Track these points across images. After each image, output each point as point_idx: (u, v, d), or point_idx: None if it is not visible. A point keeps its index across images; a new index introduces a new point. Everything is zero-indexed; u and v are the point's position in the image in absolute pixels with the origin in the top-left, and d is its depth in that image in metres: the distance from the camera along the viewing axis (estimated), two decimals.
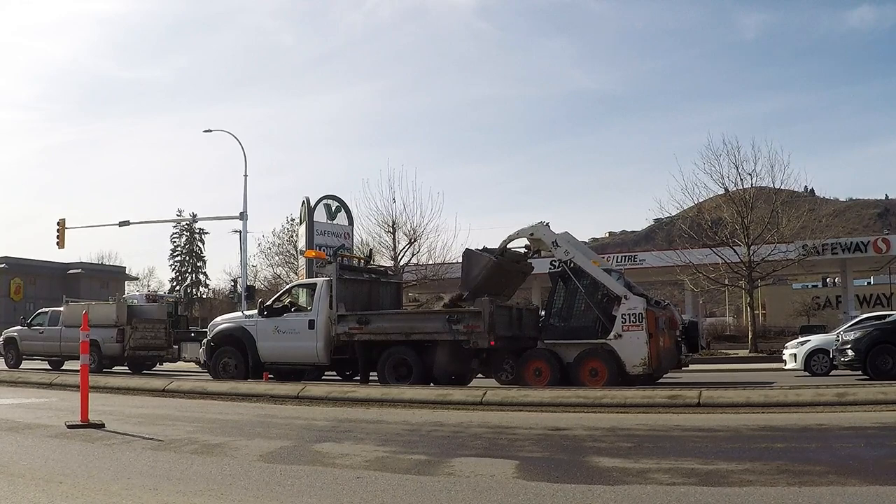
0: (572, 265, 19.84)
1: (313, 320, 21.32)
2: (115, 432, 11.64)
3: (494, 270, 21.09)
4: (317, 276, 24.47)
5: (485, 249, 21.58)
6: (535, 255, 22.67)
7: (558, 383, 18.81)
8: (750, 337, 41.79)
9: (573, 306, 19.93)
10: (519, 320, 21.00)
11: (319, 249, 36.18)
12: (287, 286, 27.42)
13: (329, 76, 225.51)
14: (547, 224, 21.02)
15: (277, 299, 23.02)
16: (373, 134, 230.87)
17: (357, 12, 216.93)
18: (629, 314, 18.87)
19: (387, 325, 20.61)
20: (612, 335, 18.91)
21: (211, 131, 49.28)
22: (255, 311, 23.08)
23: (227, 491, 7.42)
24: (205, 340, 23.96)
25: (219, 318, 24.92)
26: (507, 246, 21.61)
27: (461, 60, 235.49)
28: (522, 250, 22.06)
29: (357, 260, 25.54)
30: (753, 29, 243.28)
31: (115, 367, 31.35)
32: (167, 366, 35.83)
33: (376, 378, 20.49)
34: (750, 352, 39.57)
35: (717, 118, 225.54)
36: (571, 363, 19.32)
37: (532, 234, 21.11)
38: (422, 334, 20.03)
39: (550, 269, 20.71)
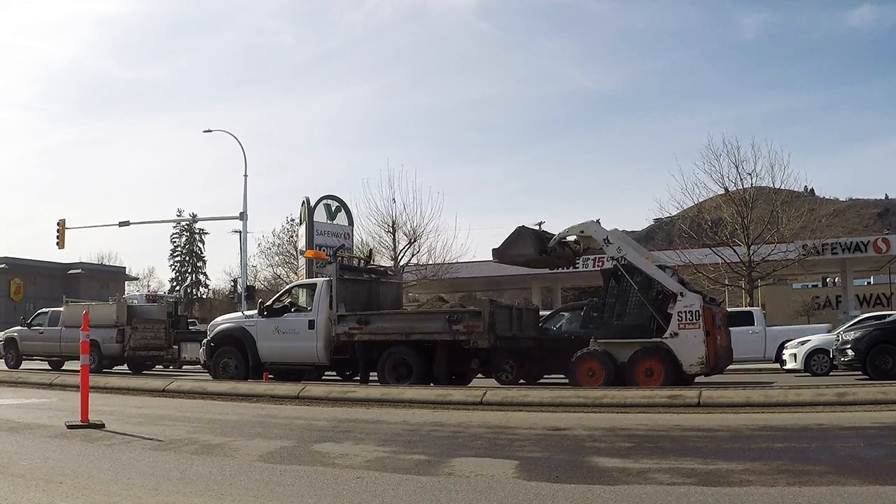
0: (625, 262, 19.37)
1: (313, 320, 21.30)
2: (115, 432, 11.64)
3: (531, 263, 21.50)
4: (317, 277, 24.48)
5: (540, 231, 21.52)
6: (584, 253, 22.48)
7: (612, 384, 18.17)
8: None
9: (626, 304, 19.42)
10: (519, 320, 20.99)
11: (319, 249, 36.17)
12: (287, 286, 27.41)
13: (329, 76, 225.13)
14: (597, 221, 20.79)
15: (277, 299, 23.00)
16: (373, 134, 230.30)
17: (357, 12, 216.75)
18: (686, 312, 18.46)
19: (387, 325, 20.57)
20: (668, 334, 18.47)
21: (211, 131, 49.39)
22: (255, 312, 23.09)
23: (226, 491, 7.42)
24: (204, 341, 23.96)
25: (219, 319, 24.93)
26: (557, 242, 21.15)
27: (461, 60, 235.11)
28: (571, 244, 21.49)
29: (357, 260, 25.54)
30: (753, 29, 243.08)
31: (115, 368, 31.37)
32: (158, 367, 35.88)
33: (376, 378, 20.47)
34: None
35: (717, 118, 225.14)
36: (626, 363, 18.81)
37: (582, 232, 20.67)
38: (422, 334, 19.95)
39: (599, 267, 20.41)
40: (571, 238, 21.11)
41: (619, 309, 19.45)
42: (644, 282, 19.19)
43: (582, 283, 61.20)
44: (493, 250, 21.75)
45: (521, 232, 21.35)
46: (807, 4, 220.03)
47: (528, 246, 20.88)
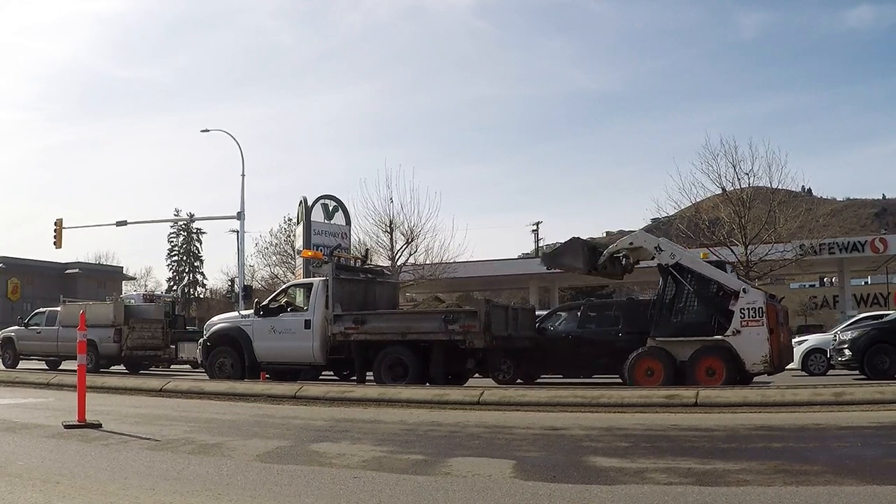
0: (680, 267, 19.13)
1: (309, 320, 21.31)
2: (112, 432, 11.63)
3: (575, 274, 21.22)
4: (313, 276, 24.50)
5: (593, 243, 21.64)
6: (635, 265, 21.80)
7: (672, 383, 17.86)
8: None
9: (686, 302, 19.29)
10: (515, 320, 20.96)
11: (317, 249, 36.15)
12: (283, 286, 27.41)
13: (328, 76, 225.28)
14: (644, 230, 20.49)
15: (274, 299, 22.99)
16: (371, 134, 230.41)
17: (356, 12, 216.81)
18: (748, 309, 18.07)
19: (383, 325, 20.57)
20: (729, 331, 18.13)
21: (209, 131, 49.34)
22: (252, 311, 23.08)
23: (224, 491, 7.41)
24: (201, 340, 23.95)
25: (215, 318, 24.90)
26: (608, 258, 20.76)
27: (460, 60, 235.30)
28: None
29: (353, 260, 25.55)
30: (753, 29, 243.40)
31: (113, 367, 31.37)
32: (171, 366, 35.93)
33: (372, 378, 20.47)
34: None
35: (716, 118, 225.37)
36: (685, 362, 18.46)
37: (632, 244, 20.40)
38: (418, 334, 19.92)
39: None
40: (622, 253, 20.82)
41: (678, 307, 19.25)
42: (702, 281, 18.97)
43: (579, 283, 61.22)
44: (543, 255, 21.85)
45: (575, 243, 21.20)
46: (806, 4, 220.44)
47: (579, 260, 20.64)
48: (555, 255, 21.91)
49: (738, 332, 18.01)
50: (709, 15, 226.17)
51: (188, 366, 34.32)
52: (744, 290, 18.36)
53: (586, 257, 20.49)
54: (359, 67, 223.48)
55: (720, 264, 20.63)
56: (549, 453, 9.66)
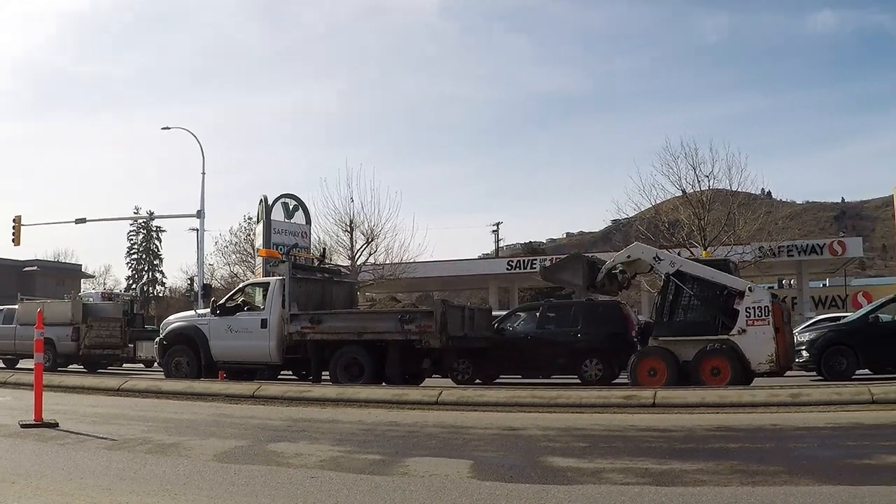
0: (681, 273, 18.81)
1: (266, 319, 21.19)
2: (69, 432, 11.55)
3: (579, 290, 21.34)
4: (272, 276, 24.46)
5: (593, 259, 21.28)
6: (633, 278, 21.90)
7: (675, 383, 17.52)
8: None
9: (689, 302, 18.90)
10: (472, 320, 20.99)
11: (276, 248, 36.05)
12: (240, 285, 27.31)
13: (290, 74, 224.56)
14: (640, 242, 20.38)
15: (230, 298, 22.86)
16: (333, 133, 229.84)
17: (317, 10, 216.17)
18: (754, 307, 17.75)
19: (339, 325, 20.53)
20: (735, 331, 17.79)
21: (169, 128, 49.10)
22: (209, 310, 22.95)
23: (181, 491, 7.40)
24: (157, 339, 23.81)
25: (172, 317, 24.77)
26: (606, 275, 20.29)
27: (422, 60, 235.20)
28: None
29: (311, 259, 25.51)
30: (714, 32, 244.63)
31: (71, 366, 31.15)
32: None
33: (329, 378, 20.44)
34: None
35: (677, 120, 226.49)
36: (690, 361, 17.97)
37: (629, 257, 20.07)
38: (374, 334, 19.91)
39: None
40: (619, 268, 20.44)
41: (682, 306, 18.96)
42: (706, 284, 18.66)
43: (540, 285, 61.43)
44: (542, 268, 21.94)
45: (575, 260, 21.40)
46: (768, 8, 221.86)
47: (578, 277, 20.35)
48: (554, 271, 21.99)
49: (744, 331, 17.72)
50: (670, 17, 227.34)
51: (141, 364, 34.21)
52: (749, 289, 18.15)
53: (586, 274, 20.15)
54: (320, 66, 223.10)
55: (724, 263, 20.40)
56: (506, 453, 9.66)
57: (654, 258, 19.48)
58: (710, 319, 18.37)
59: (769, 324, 17.60)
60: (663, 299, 19.36)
